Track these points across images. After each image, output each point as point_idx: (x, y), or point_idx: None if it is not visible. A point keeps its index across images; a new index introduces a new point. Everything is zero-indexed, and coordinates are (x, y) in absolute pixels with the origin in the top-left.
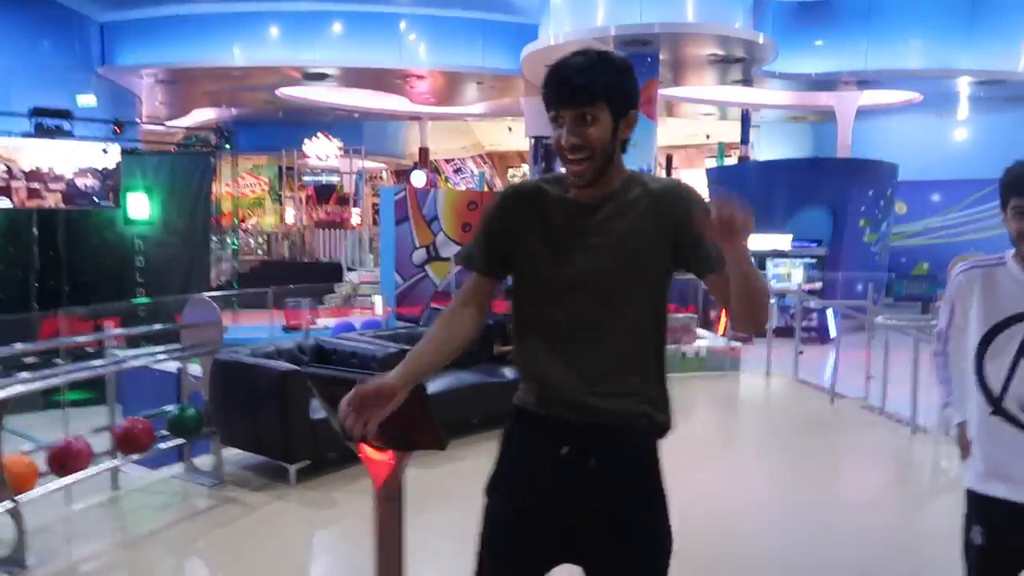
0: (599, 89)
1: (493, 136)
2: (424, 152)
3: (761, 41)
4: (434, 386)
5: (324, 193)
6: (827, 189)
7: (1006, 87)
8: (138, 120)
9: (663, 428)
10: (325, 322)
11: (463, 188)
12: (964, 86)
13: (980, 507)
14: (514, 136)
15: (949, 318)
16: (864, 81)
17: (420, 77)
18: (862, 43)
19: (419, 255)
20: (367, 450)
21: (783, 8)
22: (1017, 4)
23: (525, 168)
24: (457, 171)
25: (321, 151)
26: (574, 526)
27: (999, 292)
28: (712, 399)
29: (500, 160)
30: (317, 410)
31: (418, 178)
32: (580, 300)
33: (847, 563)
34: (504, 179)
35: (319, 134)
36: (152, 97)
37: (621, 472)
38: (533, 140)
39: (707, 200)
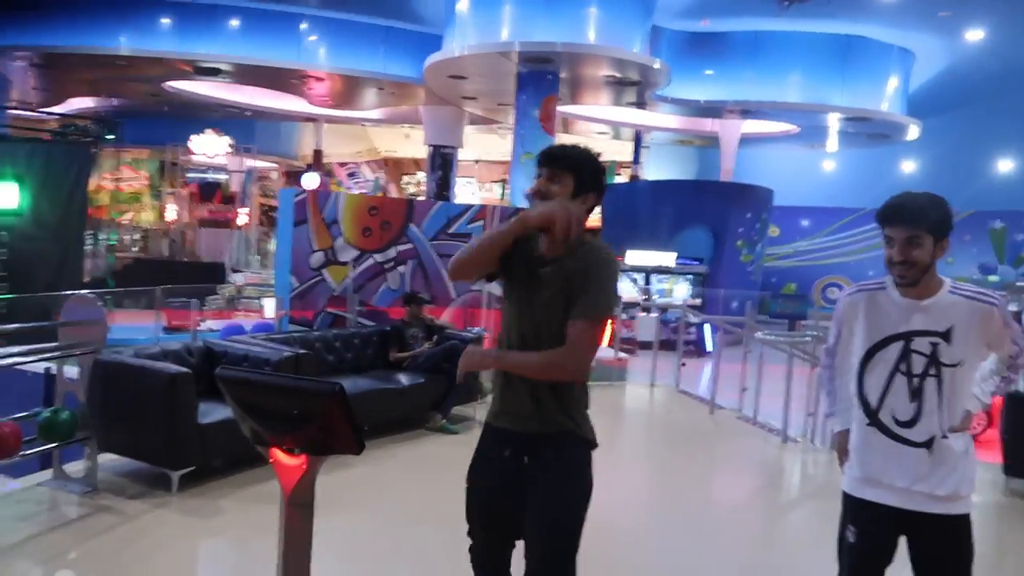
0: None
1: (390, 142)
2: (318, 154)
3: (656, 66)
4: None
5: (208, 191)
6: (709, 210)
7: (871, 124)
8: (3, 105)
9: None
10: (209, 324)
11: (356, 193)
12: (834, 121)
13: (854, 509)
14: (411, 143)
15: (836, 336)
16: (747, 111)
17: (319, 79)
18: (748, 75)
19: (316, 258)
20: (278, 455)
21: (677, 37)
22: (882, 51)
23: (420, 176)
24: (351, 175)
25: (209, 148)
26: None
27: (880, 314)
28: (599, 408)
29: (395, 167)
30: (206, 414)
31: (310, 180)
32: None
33: (721, 562)
34: (398, 186)
35: (208, 130)
36: (24, 81)
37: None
38: (431, 148)
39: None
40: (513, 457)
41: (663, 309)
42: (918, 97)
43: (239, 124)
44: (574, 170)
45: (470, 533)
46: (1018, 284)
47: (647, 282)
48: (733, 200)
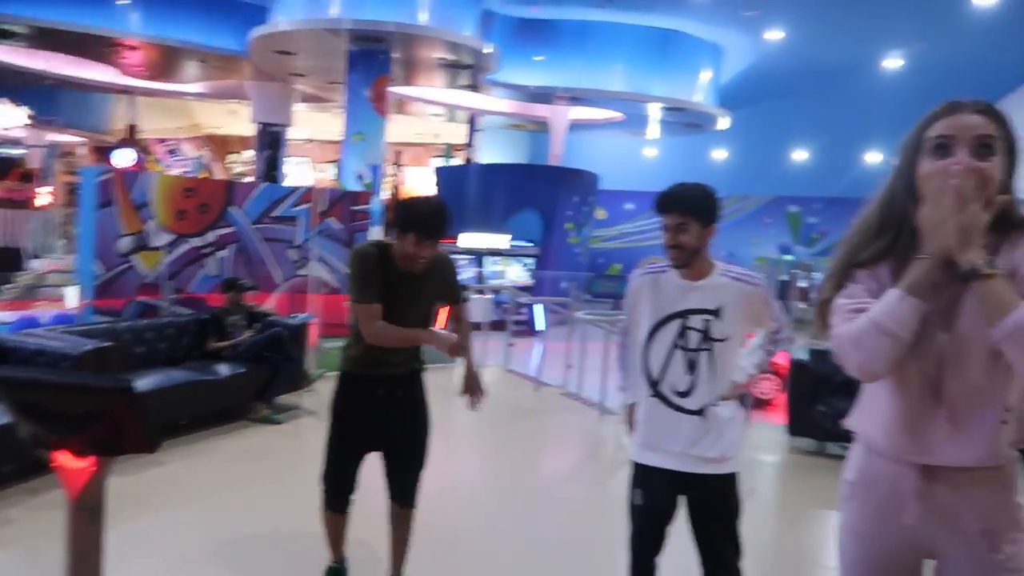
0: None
1: (214, 118)
2: (132, 129)
3: (487, 51)
4: (142, 384)
5: (2, 168)
6: (540, 194)
7: (686, 114)
8: None
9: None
10: (1, 316)
11: (177, 172)
12: (655, 110)
13: (640, 474)
14: (238, 120)
15: (629, 315)
16: (575, 98)
17: (132, 47)
18: (576, 63)
19: (125, 243)
20: (62, 458)
21: (509, 22)
22: (695, 45)
23: (249, 154)
24: (171, 153)
25: (5, 119)
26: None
27: (662, 294)
28: (430, 390)
29: (221, 144)
30: None
31: (123, 157)
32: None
33: (547, 532)
34: (224, 165)
35: (3, 100)
36: None
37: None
38: (259, 126)
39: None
40: (386, 393)
41: (495, 291)
42: (728, 90)
43: (39, 93)
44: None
45: (335, 461)
46: (808, 262)
47: (480, 264)
48: (562, 184)
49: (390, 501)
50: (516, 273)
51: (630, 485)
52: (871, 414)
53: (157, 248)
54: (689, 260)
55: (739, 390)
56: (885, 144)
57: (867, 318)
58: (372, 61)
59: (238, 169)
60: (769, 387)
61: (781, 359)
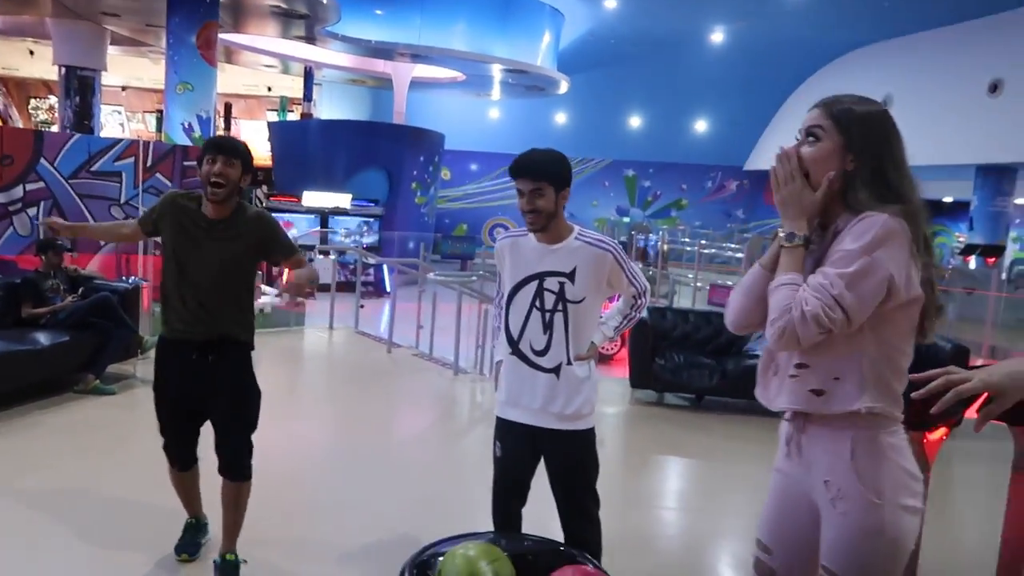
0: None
1: (8, 58)
2: None
3: (324, 1)
4: None
5: None
6: (384, 152)
7: (528, 77)
8: None
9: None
10: None
11: None
12: (497, 72)
13: (501, 428)
14: (39, 61)
15: (499, 279)
16: (417, 55)
17: None
18: (416, 20)
19: None
20: None
21: None
22: (536, 8)
23: (53, 100)
24: None
25: None
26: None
27: (521, 257)
28: (276, 354)
29: (19, 88)
30: None
31: None
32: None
33: (401, 493)
34: (25, 112)
35: None
36: None
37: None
38: (63, 70)
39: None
40: (198, 358)
41: (341, 252)
42: (567, 55)
43: None
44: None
45: (163, 429)
46: (644, 224)
47: (324, 224)
48: (407, 143)
49: (219, 474)
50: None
51: (494, 438)
52: None
53: None
54: (546, 224)
55: (596, 350)
56: (710, 113)
57: (739, 282)
58: (198, 5)
59: (42, 116)
60: (611, 344)
61: None
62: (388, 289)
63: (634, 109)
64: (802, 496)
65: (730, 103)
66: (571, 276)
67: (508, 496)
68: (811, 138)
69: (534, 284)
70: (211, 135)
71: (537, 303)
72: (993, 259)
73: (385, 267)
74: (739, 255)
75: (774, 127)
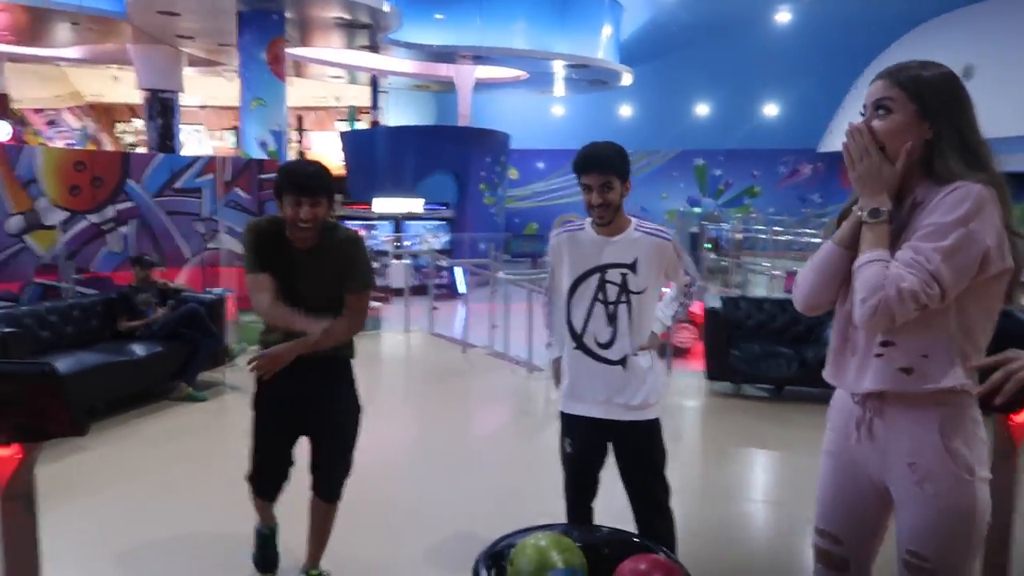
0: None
1: (95, 85)
2: (3, 99)
3: (385, 9)
4: None
5: None
6: (451, 155)
7: (590, 71)
8: None
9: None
10: None
11: (61, 144)
12: (559, 68)
13: (568, 424)
14: (122, 87)
15: (551, 275)
16: (479, 56)
17: None
18: (476, 21)
19: (15, 223)
20: None
21: None
22: (595, 2)
23: (138, 123)
24: (51, 124)
25: None
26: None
27: (580, 251)
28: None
29: (106, 113)
30: None
31: (1, 130)
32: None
33: (482, 489)
34: (112, 135)
35: None
36: None
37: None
38: (147, 93)
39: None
40: (302, 378)
41: (414, 255)
42: (629, 46)
43: None
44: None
45: (257, 451)
46: (716, 213)
47: (397, 229)
48: (473, 144)
49: (312, 491)
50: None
51: (561, 435)
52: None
53: (51, 226)
54: (613, 216)
55: (657, 340)
56: (780, 95)
57: (809, 260)
58: (265, 22)
59: (129, 139)
60: (687, 336)
61: (696, 308)
62: (462, 291)
63: (700, 97)
64: (868, 481)
65: (800, 84)
66: (633, 267)
67: (580, 491)
68: (881, 111)
69: (596, 277)
70: (284, 149)
71: (600, 296)
72: None
73: (458, 269)
74: (816, 240)
75: (847, 106)
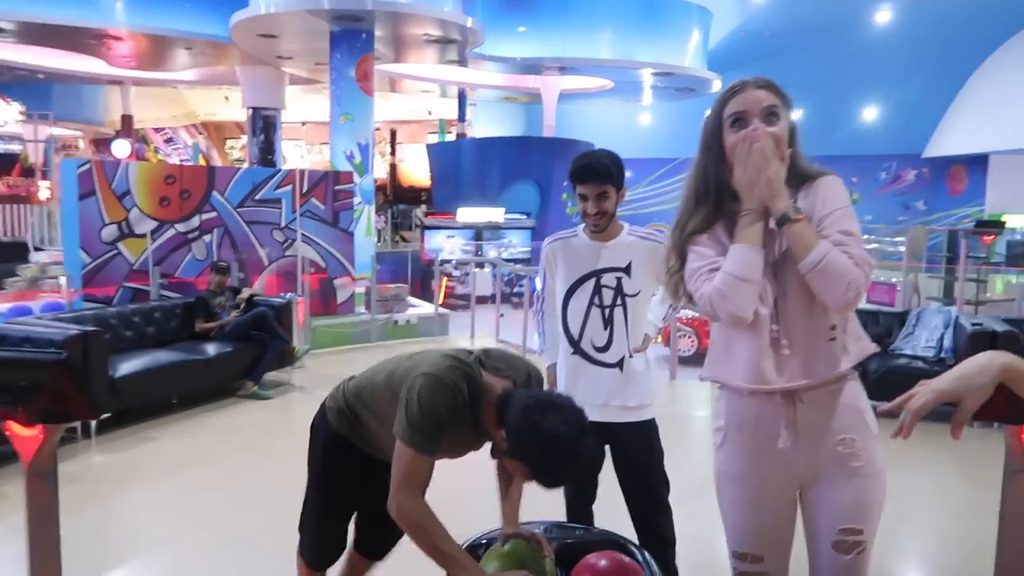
0: None
1: (208, 105)
2: (128, 120)
3: (469, 25)
4: (129, 366)
5: (5, 164)
6: (534, 165)
7: (677, 79)
8: None
9: None
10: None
11: (176, 160)
12: (646, 76)
13: None
14: (231, 106)
15: (543, 282)
16: (564, 67)
17: (118, 38)
18: (560, 32)
19: (109, 232)
20: (14, 427)
21: None
22: (682, 9)
23: (244, 140)
24: (168, 141)
25: None
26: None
27: (575, 256)
28: None
29: (217, 131)
30: None
31: (121, 148)
32: None
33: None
34: (222, 151)
35: None
36: None
37: None
38: (251, 111)
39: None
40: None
41: (494, 264)
42: (718, 53)
43: (31, 89)
44: None
45: (320, 523)
46: None
47: (478, 238)
48: (556, 154)
49: (355, 550)
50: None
51: None
52: (730, 360)
53: (142, 235)
54: (608, 224)
55: (650, 342)
56: (881, 98)
57: (723, 273)
58: (355, 40)
59: (236, 155)
60: (688, 344)
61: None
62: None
63: (795, 102)
64: (781, 489)
65: (903, 86)
66: (627, 270)
67: (582, 495)
68: (772, 117)
69: (591, 282)
70: (370, 161)
71: (596, 300)
72: (991, 237)
73: (537, 277)
74: (901, 248)
75: (957, 108)
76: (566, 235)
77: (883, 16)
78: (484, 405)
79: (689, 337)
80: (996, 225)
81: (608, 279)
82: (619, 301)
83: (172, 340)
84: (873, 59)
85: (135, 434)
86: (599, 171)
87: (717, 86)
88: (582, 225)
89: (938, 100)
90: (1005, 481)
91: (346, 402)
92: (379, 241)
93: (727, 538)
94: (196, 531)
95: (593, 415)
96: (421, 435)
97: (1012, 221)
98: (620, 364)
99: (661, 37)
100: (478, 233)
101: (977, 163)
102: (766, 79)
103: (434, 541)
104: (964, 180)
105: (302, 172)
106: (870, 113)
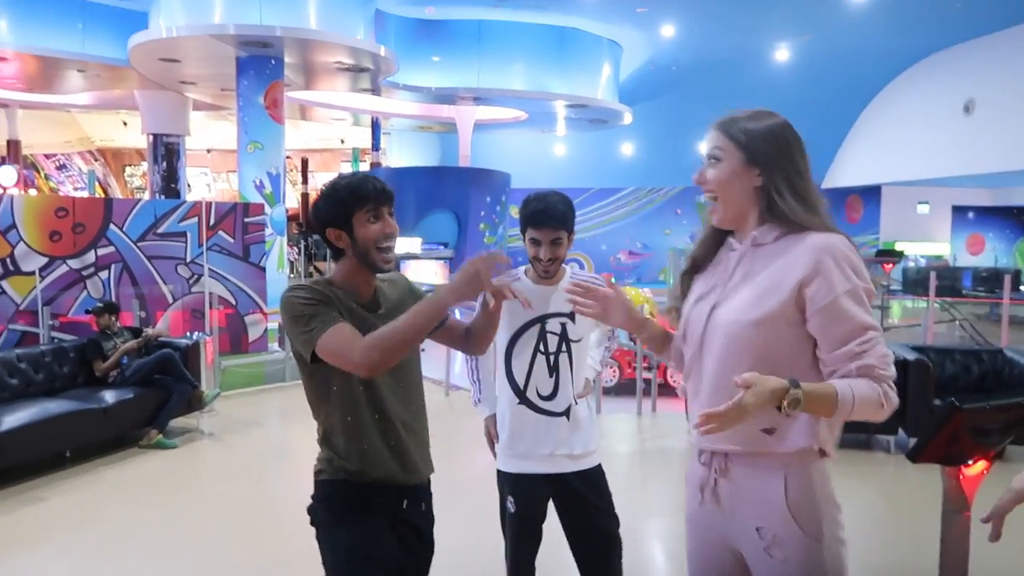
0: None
1: (105, 130)
2: (15, 145)
3: (382, 53)
4: (13, 419)
5: None
6: (451, 195)
7: (590, 111)
8: None
9: None
10: None
11: (69, 188)
12: (560, 108)
13: (511, 483)
14: (130, 131)
15: None
16: (478, 97)
17: (2, 59)
18: (474, 63)
19: None
20: None
21: (404, 23)
22: (593, 42)
23: (145, 167)
24: (61, 168)
25: None
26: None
27: (518, 303)
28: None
29: (115, 157)
30: None
31: (7, 176)
32: None
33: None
34: (121, 179)
35: None
36: None
37: None
38: (152, 137)
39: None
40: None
41: None
42: (628, 85)
43: None
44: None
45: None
46: None
47: (398, 268)
48: (473, 184)
49: None
50: (434, 272)
51: (501, 495)
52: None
53: (30, 272)
54: (558, 270)
55: (591, 387)
56: None
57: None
58: (263, 67)
59: (137, 183)
60: (611, 373)
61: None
62: None
63: (701, 134)
64: (723, 544)
65: (801, 121)
66: (572, 316)
67: (527, 547)
68: (712, 159)
69: (536, 328)
70: (281, 191)
71: (541, 347)
72: (890, 265)
73: (457, 310)
74: None
75: (851, 141)
76: (508, 279)
77: (782, 54)
78: (337, 271)
79: (612, 368)
80: (895, 254)
81: (553, 325)
82: (564, 347)
83: (65, 387)
84: (772, 94)
85: (20, 494)
86: (556, 217)
87: (628, 118)
88: (523, 268)
89: (834, 134)
90: (944, 522)
91: (320, 438)
92: (292, 273)
93: None
94: None
95: (539, 467)
96: (314, 320)
97: (906, 249)
98: (567, 413)
99: (573, 70)
100: (397, 264)
101: (871, 194)
102: (722, 120)
103: (404, 326)
104: (860, 210)
105: (208, 204)
106: None
